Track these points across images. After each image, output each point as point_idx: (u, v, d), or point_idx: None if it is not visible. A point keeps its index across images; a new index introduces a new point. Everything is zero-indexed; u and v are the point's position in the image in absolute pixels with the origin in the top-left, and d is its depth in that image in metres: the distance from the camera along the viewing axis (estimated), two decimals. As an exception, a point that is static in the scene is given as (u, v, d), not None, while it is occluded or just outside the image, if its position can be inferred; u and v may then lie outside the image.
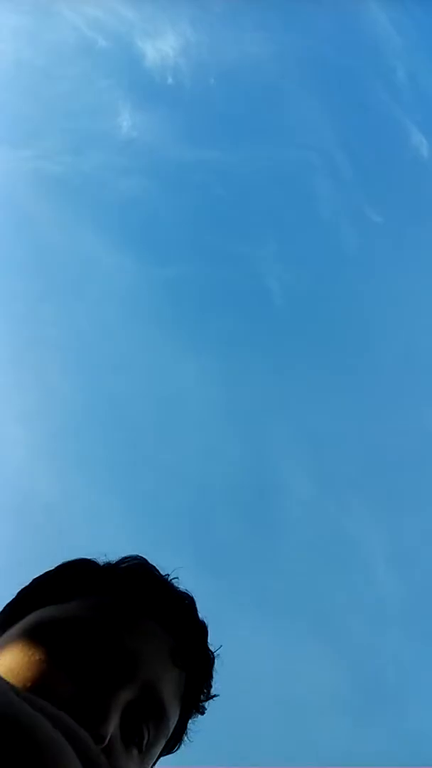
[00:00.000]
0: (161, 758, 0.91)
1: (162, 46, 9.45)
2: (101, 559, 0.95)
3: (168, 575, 0.94)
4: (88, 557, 0.95)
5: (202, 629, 0.93)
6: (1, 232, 9.62)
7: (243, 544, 9.40)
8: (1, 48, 9.40)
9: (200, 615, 0.94)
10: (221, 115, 10.03)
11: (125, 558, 0.94)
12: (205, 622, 0.93)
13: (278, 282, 9.96)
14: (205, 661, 0.92)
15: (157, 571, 0.94)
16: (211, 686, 0.92)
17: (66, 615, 0.83)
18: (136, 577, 0.91)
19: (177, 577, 0.95)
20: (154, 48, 9.46)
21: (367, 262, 10.08)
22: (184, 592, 0.94)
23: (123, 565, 0.93)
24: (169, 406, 9.82)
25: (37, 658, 0.77)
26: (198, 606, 0.93)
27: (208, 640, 0.93)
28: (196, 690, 0.91)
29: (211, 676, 0.92)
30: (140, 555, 0.95)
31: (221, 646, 0.93)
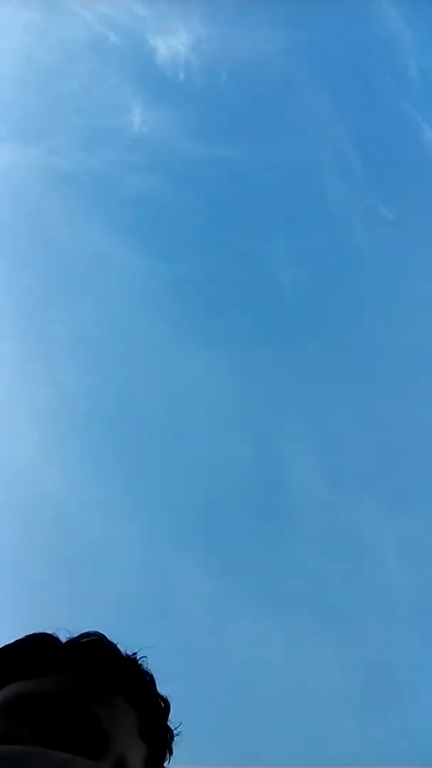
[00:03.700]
0: (163, 764, 0.97)
1: (173, 43, 9.46)
2: (61, 634, 0.99)
3: (134, 653, 0.98)
4: (49, 632, 0.99)
5: (165, 706, 0.98)
6: (11, 228, 9.66)
7: (253, 540, 9.42)
8: (12, 45, 9.42)
9: (162, 692, 0.99)
10: (232, 111, 10.02)
11: (84, 634, 0.98)
12: (168, 699, 0.98)
13: (289, 278, 9.96)
14: (167, 737, 0.97)
15: (118, 647, 0.98)
16: (169, 760, 0.98)
17: (44, 690, 0.87)
18: (102, 654, 0.95)
19: (145, 656, 0.99)
20: (166, 44, 9.46)
21: (377, 259, 10.07)
22: (146, 670, 0.98)
23: (84, 641, 0.97)
24: (180, 403, 9.85)
25: (19, 732, 0.82)
26: (208, 605, 0.97)
27: (169, 717, 0.98)
28: (157, 764, 0.96)
29: (171, 752, 0.98)
30: (98, 631, 0.99)
31: (181, 723, 0.98)
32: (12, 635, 0.99)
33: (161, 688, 0.98)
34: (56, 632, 0.98)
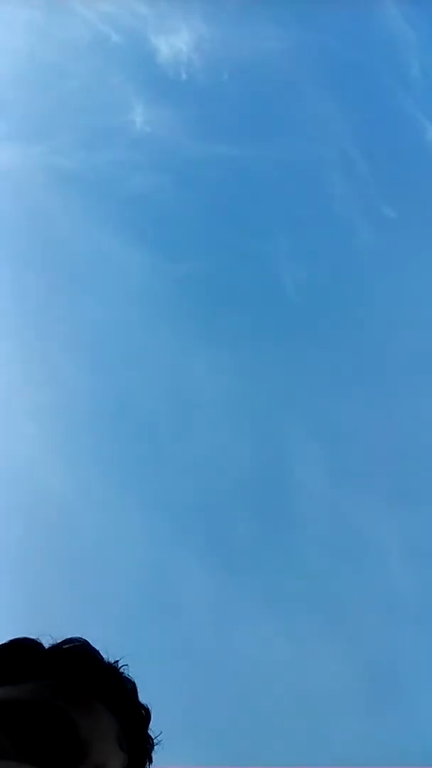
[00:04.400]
0: (163, 760, 0.97)
1: (175, 42, 9.44)
2: (44, 639, 0.99)
3: (117, 661, 0.98)
4: (32, 637, 0.99)
5: (146, 715, 0.97)
6: (13, 228, 9.66)
7: (256, 539, 9.41)
8: (13, 43, 9.42)
9: (143, 700, 0.98)
10: (235, 110, 10.01)
11: (67, 640, 0.98)
12: (149, 707, 0.98)
13: (292, 277, 9.95)
14: (147, 747, 0.97)
15: (100, 654, 0.98)
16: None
17: (23, 697, 0.87)
18: (83, 661, 0.94)
19: (126, 664, 0.98)
20: (168, 44, 9.45)
21: (380, 258, 10.05)
22: (128, 677, 0.98)
23: (66, 647, 0.96)
24: (182, 402, 9.84)
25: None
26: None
27: (150, 726, 0.98)
28: None
29: (151, 761, 0.97)
30: (81, 637, 0.98)
31: (161, 732, 0.98)
32: (13, 634, 0.99)
33: (160, 689, 0.97)
34: (40, 637, 0.98)
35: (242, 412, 10.01)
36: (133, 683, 0.97)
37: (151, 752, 0.96)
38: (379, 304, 10.10)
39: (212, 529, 9.39)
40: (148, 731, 0.96)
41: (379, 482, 9.47)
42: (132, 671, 0.98)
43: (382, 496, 9.43)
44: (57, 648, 0.96)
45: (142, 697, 0.98)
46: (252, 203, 10.10)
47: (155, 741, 0.97)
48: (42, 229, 9.76)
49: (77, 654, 0.95)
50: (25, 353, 9.70)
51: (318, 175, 9.96)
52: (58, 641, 0.97)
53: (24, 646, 0.96)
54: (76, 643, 0.96)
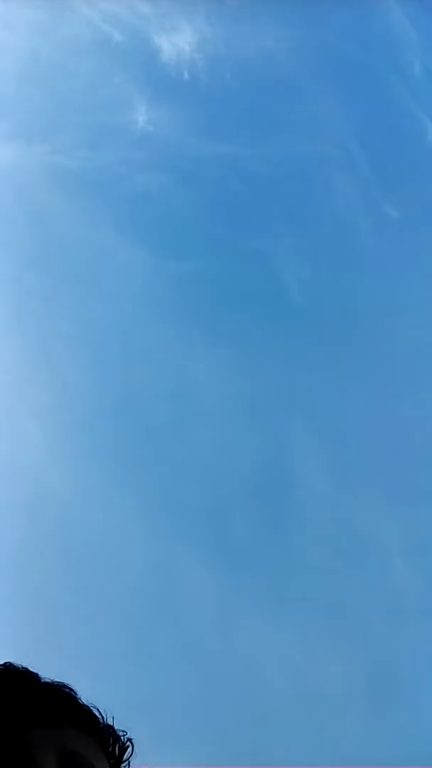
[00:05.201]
0: (165, 757, 1.03)
1: (178, 41, 9.44)
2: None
3: (126, 732, 1.04)
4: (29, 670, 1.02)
5: None
6: (17, 227, 9.66)
7: (258, 538, 9.41)
8: (16, 42, 9.42)
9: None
10: (237, 109, 10.01)
11: (61, 684, 1.02)
12: None
13: (294, 277, 9.95)
14: None
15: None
16: None
17: (63, 745, 0.93)
18: (90, 716, 1.00)
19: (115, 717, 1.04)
20: (170, 43, 9.45)
21: (383, 257, 10.05)
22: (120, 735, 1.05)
23: (66, 693, 1.01)
24: (184, 401, 9.84)
25: None
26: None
27: None
28: None
29: None
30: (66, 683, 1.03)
31: None
32: (16, 633, 0.99)
33: (161, 689, 1.00)
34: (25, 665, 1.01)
35: (244, 412, 10.02)
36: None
37: None
38: (381, 303, 10.10)
39: (214, 529, 9.40)
40: None
41: (381, 481, 9.48)
42: (134, 670, 1.02)
43: (385, 495, 9.44)
44: (60, 692, 1.00)
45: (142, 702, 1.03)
46: (254, 202, 10.11)
47: None
48: (44, 228, 9.77)
49: (82, 708, 1.00)
50: (28, 352, 9.71)
51: (320, 174, 9.97)
52: (50, 681, 1.01)
53: (34, 683, 1.00)
54: (72, 691, 1.01)
